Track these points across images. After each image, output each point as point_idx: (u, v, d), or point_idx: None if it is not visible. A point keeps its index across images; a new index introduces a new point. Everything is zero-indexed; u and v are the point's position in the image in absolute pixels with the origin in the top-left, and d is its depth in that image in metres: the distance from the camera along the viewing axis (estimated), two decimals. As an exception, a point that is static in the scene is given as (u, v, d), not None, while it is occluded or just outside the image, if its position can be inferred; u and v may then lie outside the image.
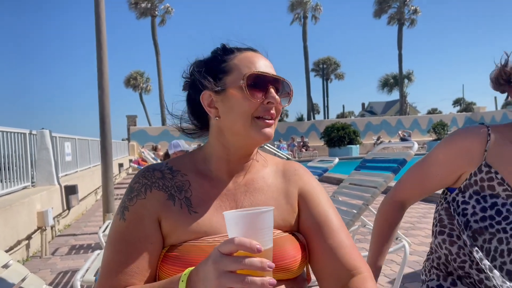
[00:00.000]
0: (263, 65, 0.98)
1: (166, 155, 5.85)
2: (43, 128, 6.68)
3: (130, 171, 18.93)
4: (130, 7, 37.59)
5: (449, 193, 1.32)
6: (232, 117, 0.96)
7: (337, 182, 7.15)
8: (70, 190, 6.73)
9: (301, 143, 24.99)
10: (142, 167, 1.09)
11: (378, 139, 26.05)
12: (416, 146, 3.17)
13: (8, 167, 5.46)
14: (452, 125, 29.54)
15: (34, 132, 6.48)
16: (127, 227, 0.95)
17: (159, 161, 10.47)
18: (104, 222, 5.88)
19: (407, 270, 3.59)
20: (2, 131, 5.29)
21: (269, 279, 0.69)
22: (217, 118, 0.99)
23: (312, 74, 50.73)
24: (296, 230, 1.04)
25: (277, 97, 0.96)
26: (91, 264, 2.33)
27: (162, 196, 0.98)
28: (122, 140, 26.25)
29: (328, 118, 39.89)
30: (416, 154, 3.08)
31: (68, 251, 5.14)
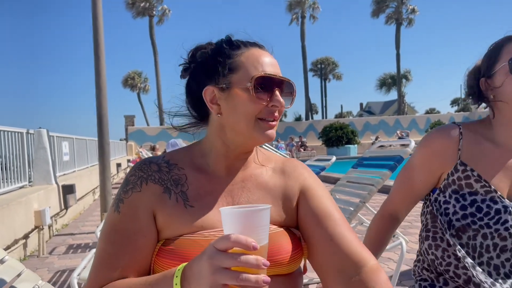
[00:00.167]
0: (270, 65, 0.97)
1: (164, 154, 5.87)
2: (40, 128, 6.67)
3: (128, 171, 18.84)
4: (127, 7, 37.56)
5: (431, 194, 1.34)
6: (235, 116, 0.95)
7: (335, 181, 7.15)
8: (68, 190, 6.72)
9: (299, 143, 25.01)
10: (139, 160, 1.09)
11: (376, 139, 26.10)
12: (413, 143, 3.17)
13: (5, 166, 5.45)
14: (450, 124, 29.50)
15: (31, 131, 6.47)
16: (121, 220, 0.95)
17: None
18: (101, 221, 5.87)
19: (404, 267, 3.60)
20: (0, 130, 5.28)
21: (264, 276, 0.69)
22: (219, 115, 0.98)
23: (310, 74, 50.87)
24: (294, 226, 1.03)
25: (282, 100, 0.95)
26: (87, 263, 2.33)
27: (157, 189, 0.97)
28: (120, 140, 26.24)
29: (326, 118, 39.95)
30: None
31: (66, 250, 5.13)
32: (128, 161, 18.82)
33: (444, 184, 1.28)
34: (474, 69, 1.35)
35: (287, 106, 0.99)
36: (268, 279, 0.69)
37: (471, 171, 1.23)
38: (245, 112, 0.94)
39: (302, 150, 24.28)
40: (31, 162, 6.46)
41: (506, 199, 1.22)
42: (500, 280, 1.18)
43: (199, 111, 1.05)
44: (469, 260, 1.19)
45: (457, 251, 1.20)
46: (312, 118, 43.01)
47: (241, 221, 0.71)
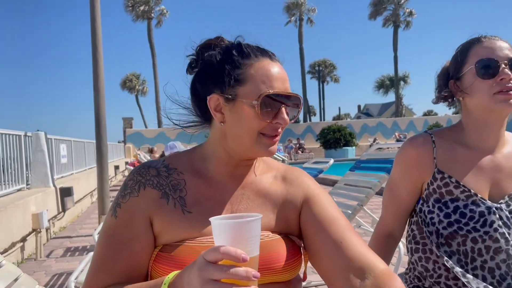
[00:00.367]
0: (279, 80, 0.94)
1: (162, 157, 5.87)
2: (38, 130, 6.65)
3: (126, 173, 18.85)
4: (127, 9, 37.58)
5: (416, 204, 1.34)
6: (238, 129, 0.95)
7: (333, 183, 7.15)
8: (66, 192, 6.70)
9: (297, 145, 25.01)
10: (140, 163, 1.08)
11: (374, 141, 26.14)
12: (410, 146, 3.17)
13: (3, 168, 5.43)
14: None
15: (29, 134, 6.46)
16: (117, 224, 0.95)
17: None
18: (99, 224, 5.86)
19: (402, 270, 3.60)
20: (-3, 133, 5.27)
21: None
22: (222, 123, 0.96)
23: (308, 76, 50.87)
24: (295, 233, 1.02)
25: (286, 118, 0.94)
26: (85, 266, 2.32)
27: (155, 194, 0.97)
28: (118, 142, 26.20)
29: (324, 120, 39.93)
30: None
31: (63, 253, 5.11)
32: (126, 163, 18.78)
33: (426, 194, 1.29)
34: (443, 70, 1.36)
35: (291, 120, 0.96)
36: None
37: (449, 178, 1.24)
38: (249, 127, 0.93)
39: (300, 152, 24.28)
40: (29, 165, 6.44)
41: (487, 201, 1.23)
42: (495, 283, 1.18)
43: (203, 112, 1.03)
44: (458, 269, 1.18)
45: (445, 261, 1.20)
46: (310, 120, 43.04)
47: (231, 232, 0.70)
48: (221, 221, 0.72)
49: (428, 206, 1.27)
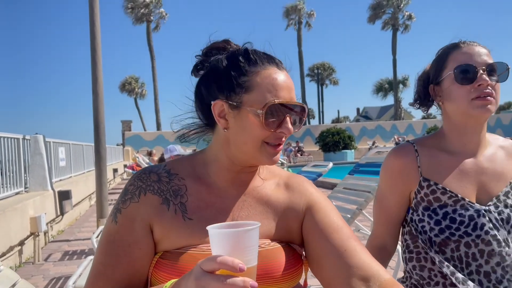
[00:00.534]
0: (285, 89, 0.93)
1: (161, 160, 5.85)
2: (36, 133, 6.65)
3: (124, 176, 18.84)
4: (126, 12, 37.64)
5: (407, 214, 1.34)
6: (242, 136, 0.94)
7: (332, 187, 7.14)
8: (64, 196, 6.68)
9: (296, 148, 25.02)
10: (140, 169, 1.07)
11: (373, 144, 26.16)
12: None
13: (1, 172, 5.42)
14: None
15: (27, 137, 6.45)
16: (117, 231, 0.95)
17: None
18: (98, 227, 5.84)
19: (401, 274, 3.59)
20: (-5, 136, 5.26)
21: None
22: (226, 130, 0.95)
23: (307, 79, 50.97)
24: (296, 241, 1.01)
25: (290, 127, 0.93)
26: (83, 270, 2.31)
27: (156, 200, 0.96)
28: (117, 145, 26.18)
29: (323, 123, 39.96)
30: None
31: (61, 257, 5.10)
32: (125, 166, 18.76)
33: (414, 203, 1.29)
34: (423, 74, 1.36)
35: (295, 129, 0.96)
36: None
37: (435, 184, 1.25)
38: (252, 135, 0.92)
39: (299, 155, 24.29)
40: (27, 168, 6.43)
41: (476, 204, 1.23)
42: (492, 287, 1.18)
43: (206, 117, 1.02)
44: (459, 275, 1.18)
45: (445, 268, 1.19)
46: (309, 123, 43.07)
47: (228, 241, 0.69)
48: (218, 230, 0.71)
49: (418, 215, 1.27)
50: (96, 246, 2.76)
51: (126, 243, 0.93)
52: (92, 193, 9.82)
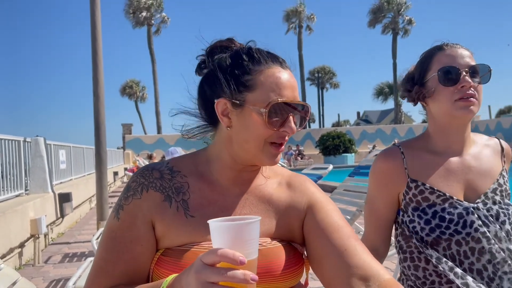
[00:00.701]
0: (289, 88, 0.93)
1: (161, 162, 5.85)
2: (37, 136, 6.66)
3: (125, 179, 18.84)
4: (127, 16, 37.75)
5: (398, 216, 1.36)
6: (245, 135, 0.93)
7: (332, 190, 7.12)
8: (64, 198, 6.69)
9: (297, 152, 25.02)
10: (143, 166, 1.07)
11: (373, 147, 26.16)
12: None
13: (1, 174, 5.43)
14: (446, 133, 29.61)
15: (28, 139, 6.46)
16: (119, 227, 0.95)
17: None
18: (98, 230, 5.84)
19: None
20: (-4, 138, 5.27)
21: None
22: (229, 128, 0.95)
23: (307, 83, 51.03)
24: (298, 240, 1.01)
25: (293, 127, 0.93)
26: (83, 271, 2.32)
27: (158, 197, 0.96)
28: (118, 148, 26.19)
29: (323, 126, 40.01)
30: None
31: (61, 259, 5.09)
32: (125, 169, 18.77)
33: (404, 204, 1.31)
34: (408, 75, 1.39)
35: (298, 129, 0.95)
36: None
37: (423, 185, 1.27)
38: (255, 134, 0.92)
39: (299, 158, 24.29)
40: (28, 170, 6.44)
41: (464, 202, 1.25)
42: (485, 285, 1.19)
43: (209, 115, 1.02)
44: (458, 270, 1.19)
45: (444, 264, 1.20)
46: (309, 127, 43.10)
47: (229, 234, 0.69)
48: (219, 223, 0.71)
49: (408, 216, 1.29)
50: (96, 248, 2.76)
51: (128, 240, 0.93)
52: (93, 196, 9.83)
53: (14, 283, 1.24)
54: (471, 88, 1.22)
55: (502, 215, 1.24)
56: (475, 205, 1.24)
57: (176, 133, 1.08)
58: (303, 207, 1.02)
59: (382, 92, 50.75)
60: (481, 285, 1.18)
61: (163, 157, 11.68)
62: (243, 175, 1.02)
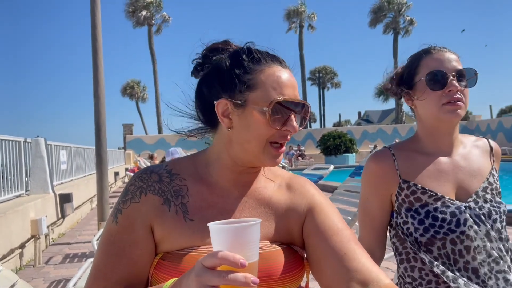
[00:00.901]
0: (290, 87, 0.93)
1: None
2: (38, 136, 6.66)
3: (126, 179, 18.86)
4: (127, 15, 37.79)
5: (392, 219, 1.37)
6: (247, 135, 0.92)
7: (333, 190, 7.11)
8: (65, 199, 6.69)
9: (298, 152, 25.02)
10: (141, 169, 1.06)
11: (374, 147, 26.14)
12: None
13: (2, 175, 5.43)
14: (447, 133, 29.63)
15: (29, 140, 6.46)
16: (118, 231, 0.94)
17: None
18: (98, 230, 5.84)
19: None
20: (-3, 139, 5.27)
21: None
22: (229, 129, 0.94)
23: (308, 83, 51.02)
24: (298, 243, 1.00)
25: (296, 125, 0.92)
26: (84, 272, 2.31)
27: (157, 200, 0.95)
28: (118, 148, 26.23)
29: (324, 126, 39.99)
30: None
31: (62, 260, 5.09)
32: (126, 169, 18.78)
33: (397, 206, 1.32)
34: (396, 76, 1.41)
35: (299, 128, 0.95)
36: None
37: (415, 185, 1.29)
38: (258, 134, 0.91)
39: (300, 158, 24.28)
40: (28, 171, 6.44)
41: (456, 201, 1.26)
42: (481, 284, 1.19)
43: (208, 116, 1.00)
44: (449, 274, 1.20)
45: (435, 268, 1.21)
46: (310, 126, 43.11)
47: (229, 237, 0.69)
48: (219, 226, 0.71)
49: (402, 217, 1.30)
50: (96, 248, 2.75)
51: (127, 244, 0.92)
52: (93, 196, 9.83)
53: (12, 286, 1.23)
54: (458, 92, 1.25)
55: (493, 213, 1.26)
56: (467, 204, 1.26)
57: (177, 134, 1.07)
58: (303, 210, 1.01)
59: (383, 92, 50.58)
60: (476, 285, 1.18)
61: (165, 157, 11.69)
62: (243, 177, 1.01)
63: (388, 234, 1.40)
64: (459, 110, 1.25)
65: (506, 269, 1.22)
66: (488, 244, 1.22)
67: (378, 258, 1.40)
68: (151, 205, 0.95)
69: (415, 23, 39.37)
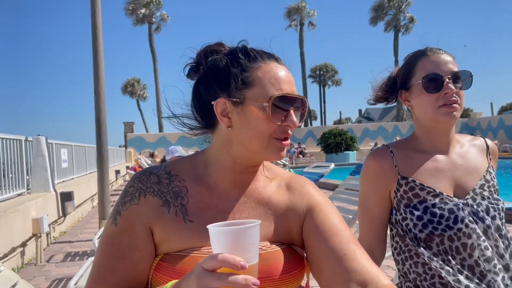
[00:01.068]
0: (287, 82, 0.93)
1: (163, 161, 5.85)
2: (39, 135, 6.66)
3: (127, 178, 18.87)
4: (127, 13, 37.74)
5: (391, 216, 1.37)
6: (248, 133, 0.92)
7: (334, 188, 7.11)
8: (66, 197, 6.69)
9: (299, 149, 25.01)
10: (140, 170, 1.06)
11: (375, 145, 26.13)
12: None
13: (3, 173, 5.43)
14: (448, 131, 29.58)
15: (30, 138, 6.47)
16: (117, 233, 0.94)
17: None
18: (100, 228, 5.85)
19: (403, 275, 3.58)
20: (-2, 138, 5.27)
21: None
22: (229, 128, 0.94)
23: (309, 80, 50.99)
24: (298, 243, 1.00)
25: (295, 120, 0.92)
26: (85, 271, 2.31)
27: (156, 202, 0.94)
28: (119, 146, 26.26)
29: (325, 124, 39.99)
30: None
31: (63, 258, 5.10)
32: (127, 168, 18.78)
33: (396, 202, 1.33)
34: (391, 78, 1.44)
35: (298, 124, 0.95)
36: None
37: (413, 182, 1.31)
38: (259, 130, 0.91)
39: (301, 156, 24.28)
40: (29, 169, 6.44)
41: (454, 198, 1.28)
42: (477, 280, 1.19)
43: (206, 117, 1.00)
44: (449, 268, 1.21)
45: (434, 263, 1.22)
46: (311, 124, 43.06)
47: (229, 239, 0.69)
48: (218, 228, 0.70)
49: (401, 214, 1.31)
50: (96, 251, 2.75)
51: (126, 246, 0.92)
52: (94, 195, 9.84)
53: (13, 285, 1.24)
54: (454, 94, 1.27)
55: (492, 210, 1.27)
56: (465, 201, 1.28)
57: (177, 132, 1.07)
58: (303, 210, 1.00)
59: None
60: (472, 281, 1.18)
61: (165, 155, 11.69)
62: (242, 177, 1.00)
63: (388, 233, 1.40)
64: (455, 112, 1.28)
65: (503, 266, 1.23)
66: (485, 242, 1.23)
67: (378, 257, 1.40)
68: (151, 206, 0.94)
69: (415, 20, 39.29)
